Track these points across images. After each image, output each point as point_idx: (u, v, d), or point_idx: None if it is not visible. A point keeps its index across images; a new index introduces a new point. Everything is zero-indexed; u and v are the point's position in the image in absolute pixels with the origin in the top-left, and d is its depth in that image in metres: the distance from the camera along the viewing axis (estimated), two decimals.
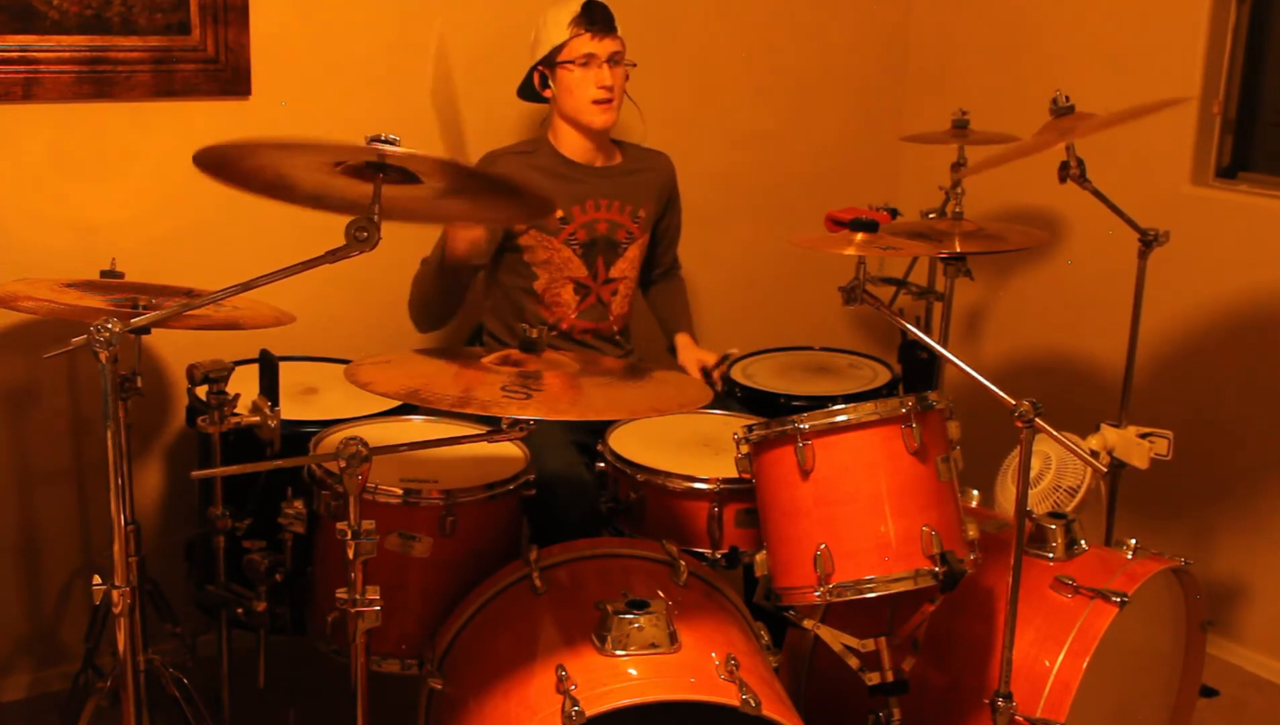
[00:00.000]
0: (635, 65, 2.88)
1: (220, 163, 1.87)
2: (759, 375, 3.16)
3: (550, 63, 2.84)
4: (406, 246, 2.77)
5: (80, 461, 2.94)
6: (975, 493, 2.52)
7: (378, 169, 1.79)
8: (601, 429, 2.63)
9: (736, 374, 3.14)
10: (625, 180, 2.95)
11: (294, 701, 2.68)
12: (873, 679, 2.20)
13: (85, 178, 2.83)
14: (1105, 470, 2.87)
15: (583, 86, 2.81)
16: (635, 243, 2.95)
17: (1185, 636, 2.52)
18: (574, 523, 2.44)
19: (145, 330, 1.94)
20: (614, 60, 2.82)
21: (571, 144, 2.91)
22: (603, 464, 2.56)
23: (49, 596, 2.99)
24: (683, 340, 3.12)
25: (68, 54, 2.74)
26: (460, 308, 2.84)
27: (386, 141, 1.80)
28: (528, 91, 2.93)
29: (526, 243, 2.88)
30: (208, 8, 2.84)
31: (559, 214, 2.85)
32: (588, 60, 2.80)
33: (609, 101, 2.82)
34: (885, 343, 3.58)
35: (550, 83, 2.87)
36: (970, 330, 3.82)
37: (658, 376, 2.37)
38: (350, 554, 1.91)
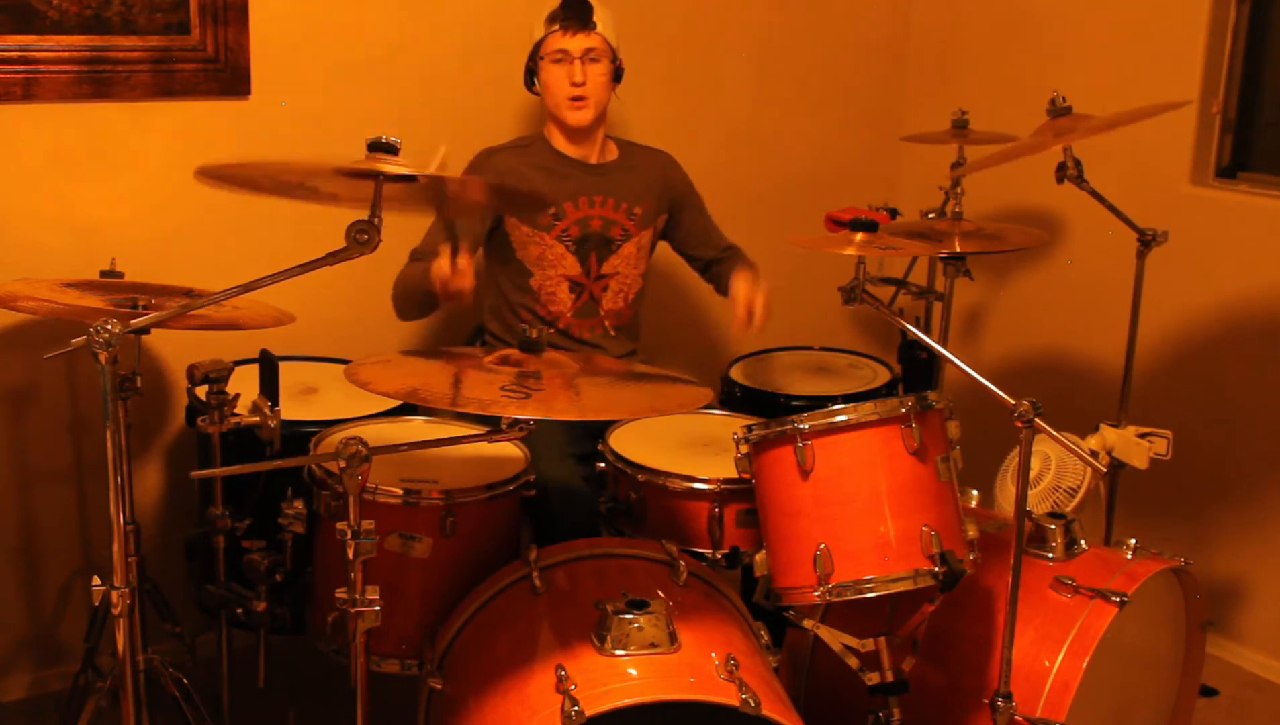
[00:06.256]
0: (621, 64, 2.87)
1: (221, 176, 1.90)
2: (759, 375, 3.16)
3: (534, 59, 2.86)
4: (406, 247, 2.77)
5: (80, 461, 2.94)
6: (975, 493, 2.51)
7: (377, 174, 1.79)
8: (600, 435, 2.63)
9: (736, 374, 3.14)
10: (620, 177, 2.94)
11: (294, 701, 2.67)
12: (873, 679, 2.20)
13: (85, 178, 2.83)
14: (1105, 470, 2.87)
15: (558, 83, 2.82)
16: (631, 240, 2.94)
17: (1185, 636, 2.52)
18: (571, 531, 2.44)
19: (145, 330, 1.94)
20: (590, 58, 2.80)
21: (563, 140, 2.91)
22: (603, 464, 2.56)
23: (49, 596, 2.99)
24: (737, 274, 2.89)
25: (67, 54, 2.74)
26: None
27: (386, 146, 1.80)
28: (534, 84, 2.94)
29: (519, 240, 2.88)
30: (207, 8, 2.84)
31: (551, 210, 2.85)
32: (561, 57, 2.80)
33: (583, 100, 2.82)
34: (885, 343, 3.58)
35: (536, 79, 2.88)
36: (970, 330, 3.81)
37: (658, 376, 2.37)
38: (350, 554, 1.91)
